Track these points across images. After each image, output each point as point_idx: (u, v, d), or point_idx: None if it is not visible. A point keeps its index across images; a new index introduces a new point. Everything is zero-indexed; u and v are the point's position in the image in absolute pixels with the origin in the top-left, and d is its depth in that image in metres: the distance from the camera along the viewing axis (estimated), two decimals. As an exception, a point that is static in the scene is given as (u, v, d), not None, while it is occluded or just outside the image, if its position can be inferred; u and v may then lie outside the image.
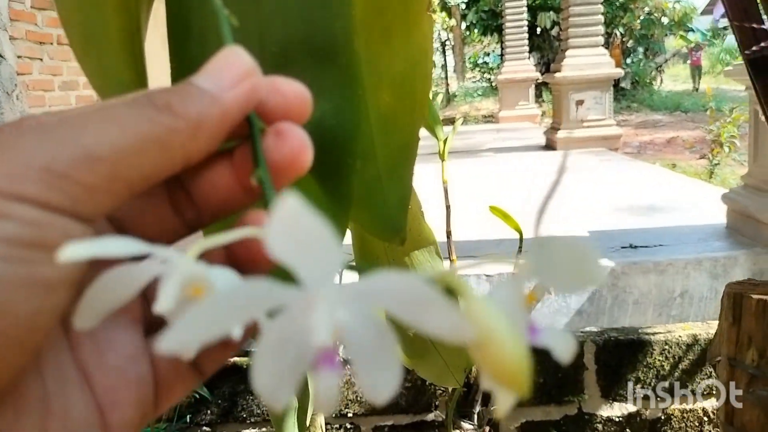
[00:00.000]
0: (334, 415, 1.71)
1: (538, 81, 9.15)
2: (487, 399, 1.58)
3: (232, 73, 0.22)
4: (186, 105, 0.21)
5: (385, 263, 0.46)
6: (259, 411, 1.70)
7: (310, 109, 0.24)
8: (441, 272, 0.19)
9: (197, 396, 1.63)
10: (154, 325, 0.24)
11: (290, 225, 0.16)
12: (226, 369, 1.68)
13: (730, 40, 16.39)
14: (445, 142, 0.93)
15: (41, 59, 2.83)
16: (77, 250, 0.18)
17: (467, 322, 0.17)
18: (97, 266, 0.20)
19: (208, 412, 1.70)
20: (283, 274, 0.18)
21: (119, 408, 0.22)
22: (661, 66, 14.28)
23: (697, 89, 13.60)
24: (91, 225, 0.20)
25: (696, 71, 14.23)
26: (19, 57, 2.67)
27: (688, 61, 15.27)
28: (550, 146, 6.19)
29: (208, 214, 0.26)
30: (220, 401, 1.69)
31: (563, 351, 0.19)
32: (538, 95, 10.38)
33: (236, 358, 1.69)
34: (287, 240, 0.17)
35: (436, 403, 1.72)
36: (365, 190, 0.41)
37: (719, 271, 2.62)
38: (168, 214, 0.25)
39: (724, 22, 17.56)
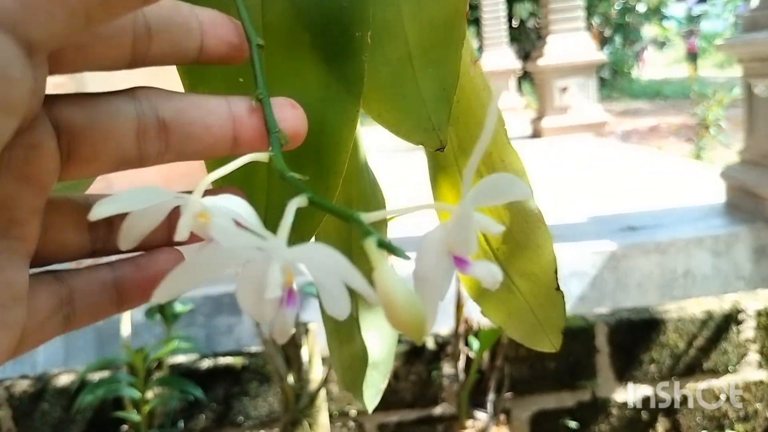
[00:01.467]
0: (337, 413, 1.62)
1: (519, 72, 9.11)
2: (500, 386, 1.50)
3: None
4: None
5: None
6: (255, 413, 1.60)
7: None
8: (365, 243, 0.22)
9: (192, 399, 1.53)
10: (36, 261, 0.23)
11: None
12: (219, 371, 1.58)
13: (705, 26, 16.52)
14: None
15: None
16: (106, 208, 0.21)
17: (371, 288, 0.21)
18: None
19: (203, 416, 1.60)
20: None
21: None
22: (639, 54, 14.30)
23: (693, 77, 12.76)
24: (33, 59, 0.17)
25: (692, 58, 13.87)
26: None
27: (662, 49, 15.31)
28: (536, 135, 6.13)
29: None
30: (214, 404, 1.59)
31: (491, 281, 0.23)
32: (518, 87, 10.32)
33: (230, 360, 1.60)
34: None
35: (443, 395, 1.63)
36: (390, 75, 0.33)
37: (721, 248, 2.56)
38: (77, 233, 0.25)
39: (699, 9, 17.71)
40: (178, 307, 1.39)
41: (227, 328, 2.48)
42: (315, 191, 0.33)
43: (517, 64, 9.06)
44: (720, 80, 10.08)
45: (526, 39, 11.84)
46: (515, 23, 11.77)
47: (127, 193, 0.22)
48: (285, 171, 0.27)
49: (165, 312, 1.36)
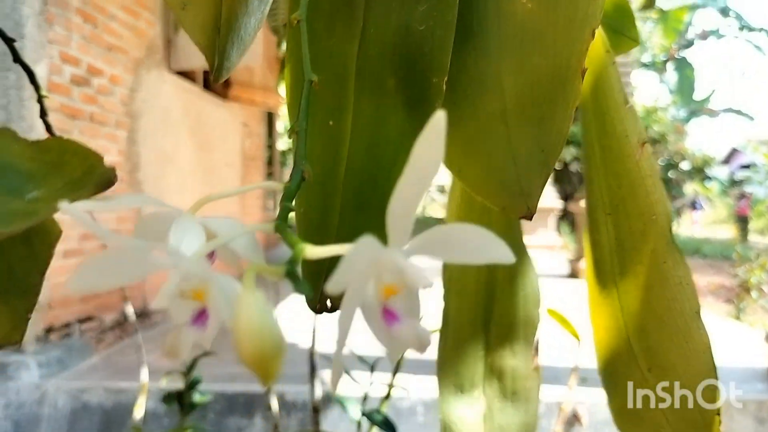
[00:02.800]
0: None
1: (559, 211, 9.16)
2: None
3: None
4: None
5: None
6: None
7: None
8: (250, 264, 0.22)
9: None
10: None
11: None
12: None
13: (746, 190, 16.60)
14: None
15: (71, 134, 2.80)
16: (78, 207, 0.23)
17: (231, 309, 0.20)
18: None
19: None
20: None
21: None
22: (685, 210, 14.31)
23: (742, 240, 11.90)
24: None
25: (741, 220, 13.18)
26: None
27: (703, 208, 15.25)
28: (573, 275, 6.06)
29: None
30: None
31: (416, 344, 0.21)
32: (557, 227, 10.36)
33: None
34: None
35: None
36: (476, 129, 0.30)
37: (765, 415, 2.42)
38: None
39: (741, 174, 17.87)
40: (197, 397, 1.33)
41: (237, 430, 2.38)
42: (378, 239, 0.30)
43: (558, 204, 9.13)
44: (761, 245, 9.97)
45: (568, 181, 11.99)
46: (558, 166, 11.97)
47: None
48: (289, 204, 0.25)
49: (183, 400, 1.30)
